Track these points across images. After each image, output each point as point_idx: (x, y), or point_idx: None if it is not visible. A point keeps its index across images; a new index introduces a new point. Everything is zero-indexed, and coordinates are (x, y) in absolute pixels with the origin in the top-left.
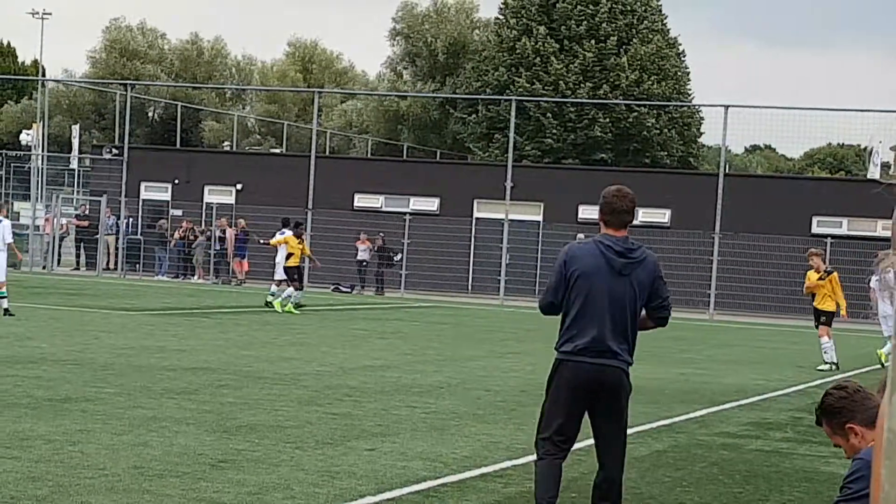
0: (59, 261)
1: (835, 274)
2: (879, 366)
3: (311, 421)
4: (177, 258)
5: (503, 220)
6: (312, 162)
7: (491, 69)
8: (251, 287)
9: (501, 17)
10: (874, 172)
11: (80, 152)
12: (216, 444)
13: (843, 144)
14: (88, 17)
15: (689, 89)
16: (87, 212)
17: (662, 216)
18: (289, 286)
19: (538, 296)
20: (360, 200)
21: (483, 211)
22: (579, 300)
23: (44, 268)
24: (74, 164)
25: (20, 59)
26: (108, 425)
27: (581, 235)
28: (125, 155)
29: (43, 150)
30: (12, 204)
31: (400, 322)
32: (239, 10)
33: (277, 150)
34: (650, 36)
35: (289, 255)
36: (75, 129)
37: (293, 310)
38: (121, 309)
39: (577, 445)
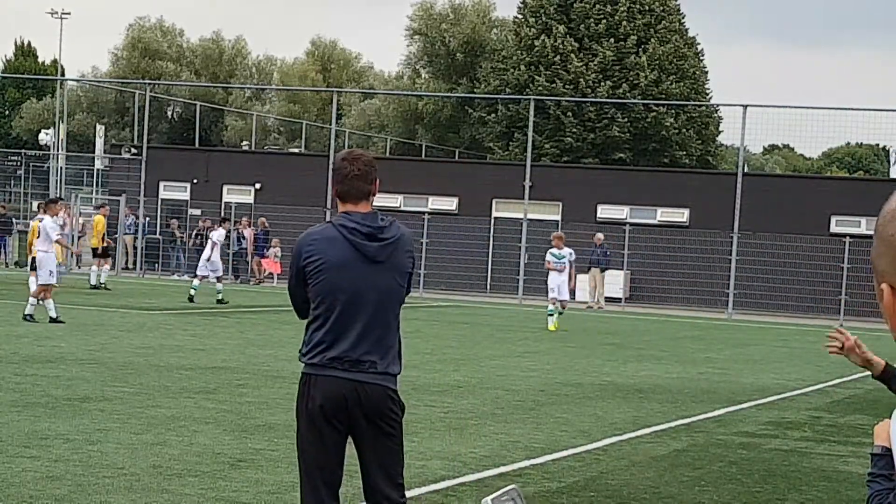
0: (78, 260)
1: None
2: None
3: None
4: (196, 258)
5: (522, 219)
6: (331, 161)
7: (510, 68)
8: (270, 286)
9: (520, 15)
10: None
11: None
12: (235, 444)
13: (861, 144)
14: (108, 16)
15: (708, 89)
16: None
17: (681, 216)
18: None
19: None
20: (379, 200)
21: (502, 210)
22: (325, 300)
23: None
24: (98, 164)
25: (40, 59)
26: (127, 424)
27: (600, 235)
28: (144, 154)
29: (59, 150)
30: (31, 203)
31: (418, 321)
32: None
33: (296, 150)
34: (668, 35)
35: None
36: (100, 128)
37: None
38: (139, 308)
39: (593, 445)
